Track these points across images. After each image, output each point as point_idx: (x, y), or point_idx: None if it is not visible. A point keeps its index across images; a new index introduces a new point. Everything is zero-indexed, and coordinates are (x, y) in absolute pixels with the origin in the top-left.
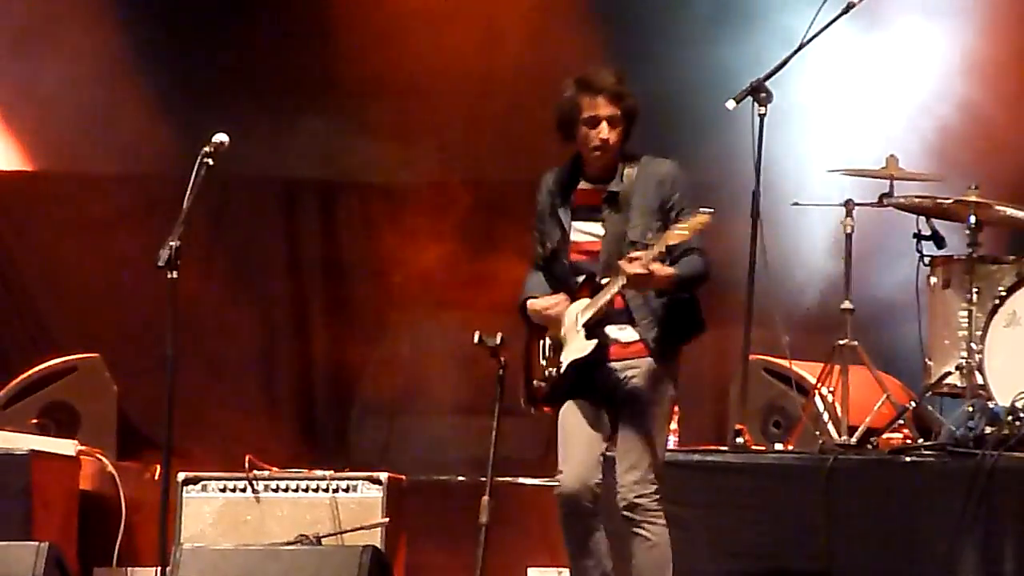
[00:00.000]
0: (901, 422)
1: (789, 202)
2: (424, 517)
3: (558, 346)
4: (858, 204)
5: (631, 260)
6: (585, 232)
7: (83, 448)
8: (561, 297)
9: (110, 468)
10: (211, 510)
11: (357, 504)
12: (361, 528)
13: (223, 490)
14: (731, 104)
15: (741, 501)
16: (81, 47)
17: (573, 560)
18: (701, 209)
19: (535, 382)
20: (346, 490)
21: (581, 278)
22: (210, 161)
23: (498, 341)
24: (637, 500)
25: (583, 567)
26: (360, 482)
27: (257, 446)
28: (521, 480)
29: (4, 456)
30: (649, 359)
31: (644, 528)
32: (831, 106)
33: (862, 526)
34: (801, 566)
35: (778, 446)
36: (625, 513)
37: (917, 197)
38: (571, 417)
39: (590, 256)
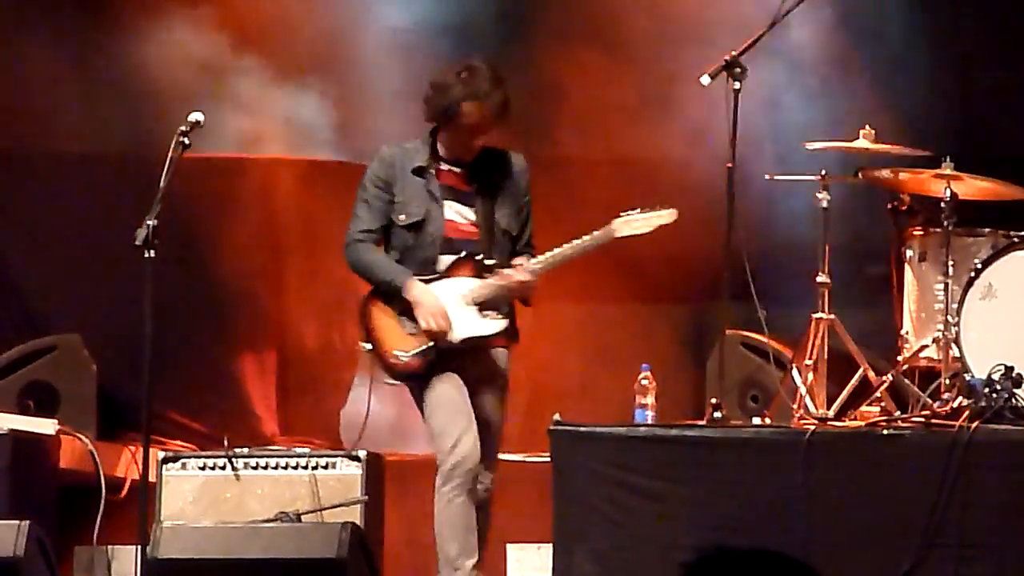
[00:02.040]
0: (878, 396)
1: (764, 176)
2: (401, 493)
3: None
4: (833, 178)
5: (518, 268)
6: (455, 213)
7: (62, 427)
8: (444, 285)
9: (90, 447)
10: (191, 488)
11: (336, 481)
12: (340, 505)
13: (203, 468)
14: (706, 80)
15: (719, 475)
16: (61, 23)
17: (467, 534)
18: (665, 208)
19: (398, 355)
20: (325, 467)
21: (460, 254)
22: (186, 140)
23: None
24: (491, 486)
25: (471, 543)
26: (339, 459)
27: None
28: (500, 456)
29: None
30: (504, 349)
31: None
32: (806, 79)
33: (841, 499)
34: (780, 540)
35: (756, 420)
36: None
37: (892, 170)
38: (455, 390)
39: (462, 237)
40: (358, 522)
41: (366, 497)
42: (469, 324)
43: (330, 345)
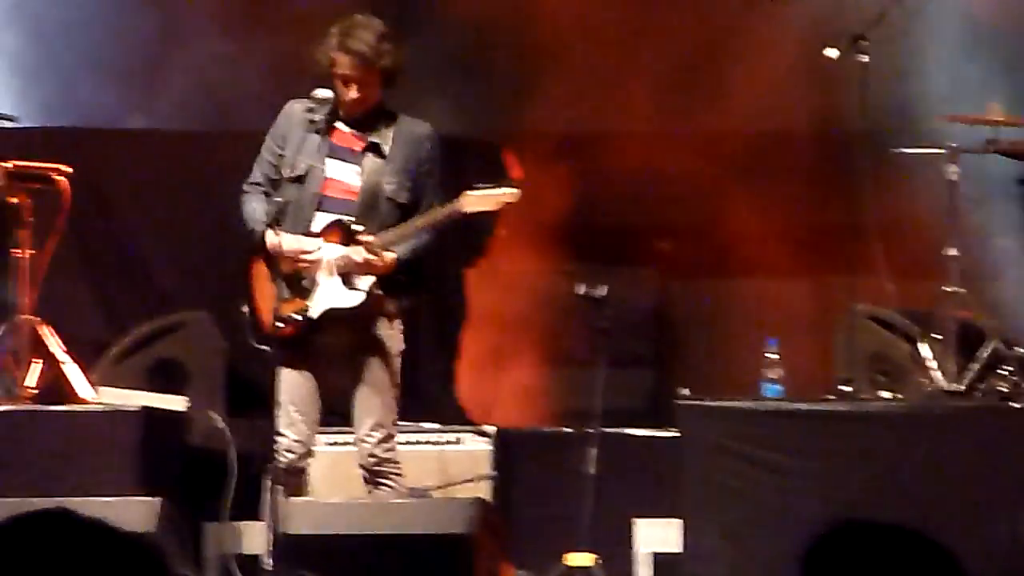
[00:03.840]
0: (1007, 369)
1: (892, 150)
2: (530, 469)
3: (297, 286)
4: (962, 151)
5: (363, 243)
6: (339, 173)
7: (192, 404)
8: (319, 242)
9: (220, 424)
10: (320, 464)
11: (465, 457)
12: (469, 481)
13: (332, 444)
14: (833, 53)
15: (847, 449)
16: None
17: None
18: (506, 185)
19: (275, 321)
20: (454, 443)
21: (329, 219)
22: (314, 117)
23: (602, 293)
24: (385, 455)
25: None
26: (467, 435)
27: None
28: (627, 431)
29: (115, 413)
30: (384, 317)
31: (391, 479)
32: (933, 54)
33: (969, 473)
34: (908, 513)
35: (884, 394)
36: (373, 468)
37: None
38: (296, 383)
39: (341, 198)
40: (487, 497)
41: (495, 473)
42: (330, 295)
43: None
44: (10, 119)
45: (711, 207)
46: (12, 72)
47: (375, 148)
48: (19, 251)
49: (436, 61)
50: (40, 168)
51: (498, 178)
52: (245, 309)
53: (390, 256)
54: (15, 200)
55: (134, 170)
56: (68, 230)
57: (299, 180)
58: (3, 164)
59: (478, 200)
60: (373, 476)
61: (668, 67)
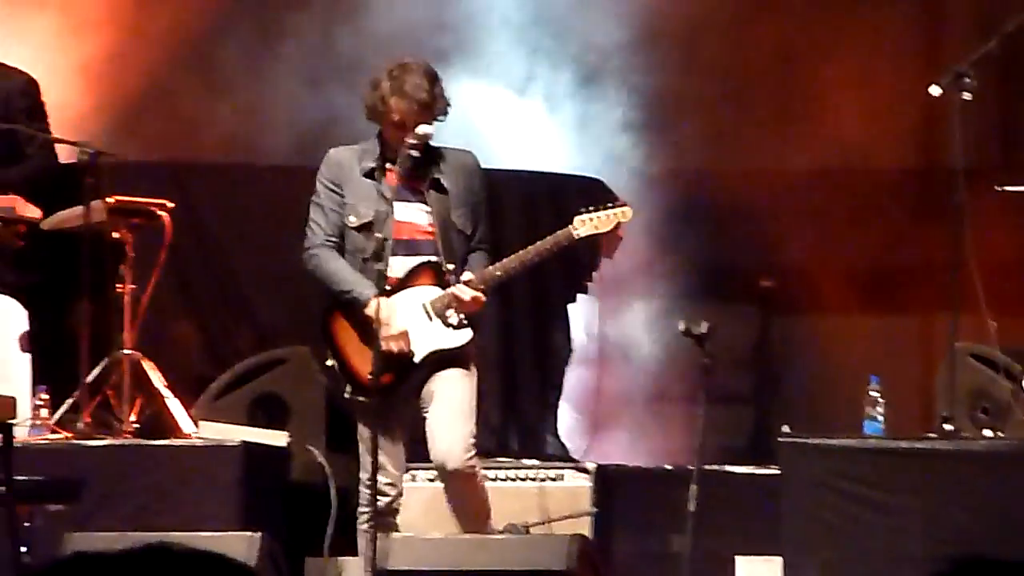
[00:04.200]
0: None
1: (995, 187)
2: (631, 506)
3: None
4: None
5: (469, 282)
6: (407, 214)
7: (293, 439)
8: (408, 295)
9: (320, 459)
10: (421, 499)
11: (565, 493)
12: (570, 517)
13: (432, 480)
14: (936, 90)
15: (950, 488)
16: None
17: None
18: (617, 205)
19: (372, 372)
20: (554, 479)
21: (408, 263)
22: (414, 153)
23: (704, 330)
24: (466, 469)
25: None
26: (568, 471)
27: None
28: (728, 468)
29: (217, 447)
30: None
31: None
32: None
33: None
34: (1013, 555)
35: (987, 432)
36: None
37: None
38: (385, 438)
39: (414, 239)
40: (587, 534)
41: (595, 509)
42: (432, 338)
43: None
44: (112, 155)
45: (813, 244)
46: (116, 107)
47: (436, 184)
48: (121, 286)
49: None
50: (142, 203)
51: (605, 202)
52: (331, 363)
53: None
54: (117, 235)
55: (235, 203)
56: (169, 265)
57: (365, 228)
58: (106, 200)
59: (590, 223)
60: (459, 482)
61: (771, 103)
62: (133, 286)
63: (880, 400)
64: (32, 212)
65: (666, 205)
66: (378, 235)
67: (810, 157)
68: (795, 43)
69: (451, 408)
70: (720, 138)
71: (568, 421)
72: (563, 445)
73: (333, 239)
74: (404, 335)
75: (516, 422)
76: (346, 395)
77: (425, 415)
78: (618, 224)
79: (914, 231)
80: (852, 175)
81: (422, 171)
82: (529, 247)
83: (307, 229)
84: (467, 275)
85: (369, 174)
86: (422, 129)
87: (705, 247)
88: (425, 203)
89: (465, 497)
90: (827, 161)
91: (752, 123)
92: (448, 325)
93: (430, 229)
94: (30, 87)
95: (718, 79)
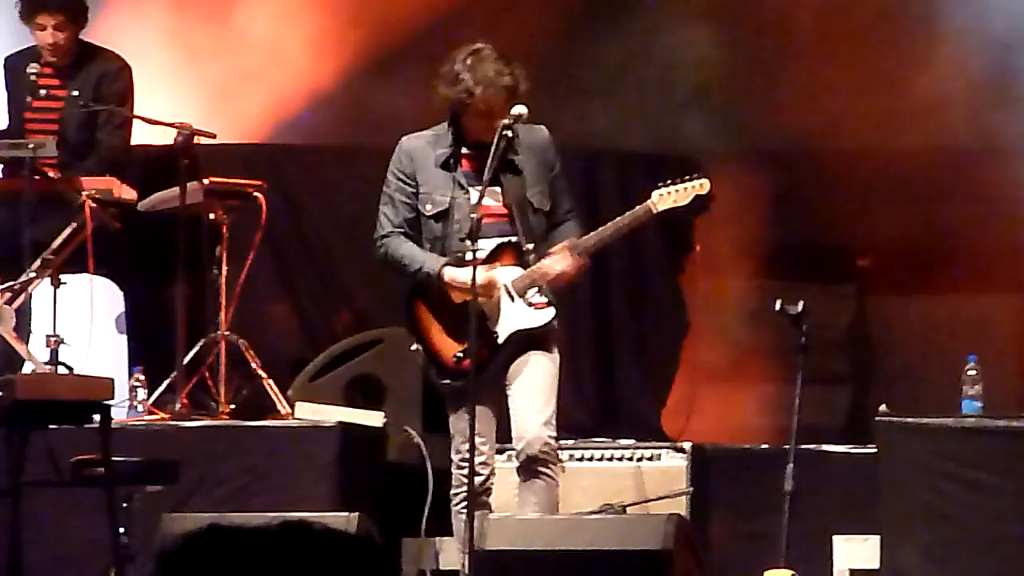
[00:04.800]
0: None
1: None
2: (727, 485)
3: (480, 315)
4: None
5: (566, 249)
6: (485, 196)
7: (389, 420)
8: (490, 267)
9: (417, 439)
10: (516, 480)
11: (661, 473)
12: (666, 496)
13: None
14: None
15: None
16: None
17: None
18: (695, 178)
19: (456, 355)
20: (650, 459)
21: (489, 245)
22: (509, 133)
23: (799, 309)
24: (554, 444)
25: None
26: (664, 451)
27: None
28: (825, 447)
29: (313, 429)
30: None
31: (551, 468)
32: None
33: None
34: None
35: None
36: (541, 456)
37: None
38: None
39: (491, 222)
40: (684, 514)
41: (691, 489)
42: (515, 318)
43: None
44: (209, 135)
45: (910, 223)
46: (212, 92)
47: (510, 165)
48: (217, 268)
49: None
50: (237, 184)
51: (684, 175)
52: (415, 347)
53: (580, 260)
54: (213, 216)
55: (331, 185)
56: (265, 247)
57: (442, 215)
58: (201, 181)
59: (668, 196)
60: (536, 465)
61: (870, 82)
62: (229, 267)
63: (978, 379)
64: (128, 194)
65: (763, 183)
66: (473, 216)
67: (912, 136)
68: (901, 20)
69: (531, 390)
70: (818, 114)
71: (665, 401)
72: (660, 425)
73: (400, 229)
74: (490, 281)
75: (613, 401)
76: (442, 383)
77: (508, 395)
78: (696, 196)
79: (1014, 210)
80: (952, 154)
81: (484, 149)
82: (608, 223)
83: (377, 221)
84: (559, 244)
85: (444, 164)
86: (517, 109)
87: (802, 226)
88: (500, 185)
89: (535, 484)
90: (928, 140)
91: (852, 98)
92: (530, 305)
93: (505, 211)
94: (122, 72)
95: (817, 56)
